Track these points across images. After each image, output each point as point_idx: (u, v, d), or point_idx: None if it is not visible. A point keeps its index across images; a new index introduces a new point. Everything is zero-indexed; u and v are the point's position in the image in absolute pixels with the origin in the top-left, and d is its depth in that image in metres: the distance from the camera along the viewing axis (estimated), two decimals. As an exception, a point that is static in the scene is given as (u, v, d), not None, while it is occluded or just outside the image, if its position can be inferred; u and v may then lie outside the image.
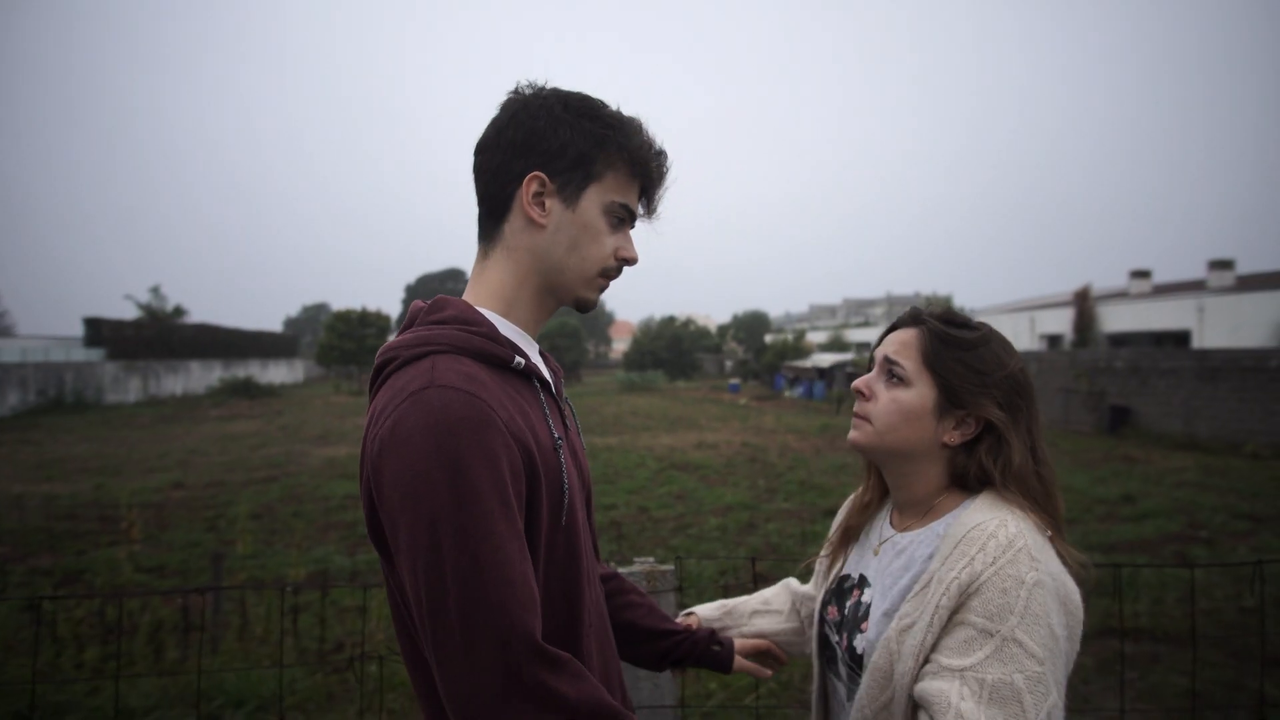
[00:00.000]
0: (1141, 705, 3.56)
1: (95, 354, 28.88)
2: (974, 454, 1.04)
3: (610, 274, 1.04)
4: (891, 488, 1.14)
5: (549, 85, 1.02)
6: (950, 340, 1.05)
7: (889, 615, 1.02)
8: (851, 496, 1.26)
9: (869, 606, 1.08)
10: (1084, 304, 25.06)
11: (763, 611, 1.41)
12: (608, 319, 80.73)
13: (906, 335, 1.08)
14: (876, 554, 1.11)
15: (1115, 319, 24.70)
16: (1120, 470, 10.87)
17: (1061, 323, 26.40)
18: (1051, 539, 0.99)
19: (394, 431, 0.83)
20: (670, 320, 43.36)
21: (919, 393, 1.05)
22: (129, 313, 36.72)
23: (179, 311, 38.51)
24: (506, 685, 0.80)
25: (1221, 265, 25.37)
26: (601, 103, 1.02)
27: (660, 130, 1.03)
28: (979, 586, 0.92)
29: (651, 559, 1.66)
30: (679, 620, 1.39)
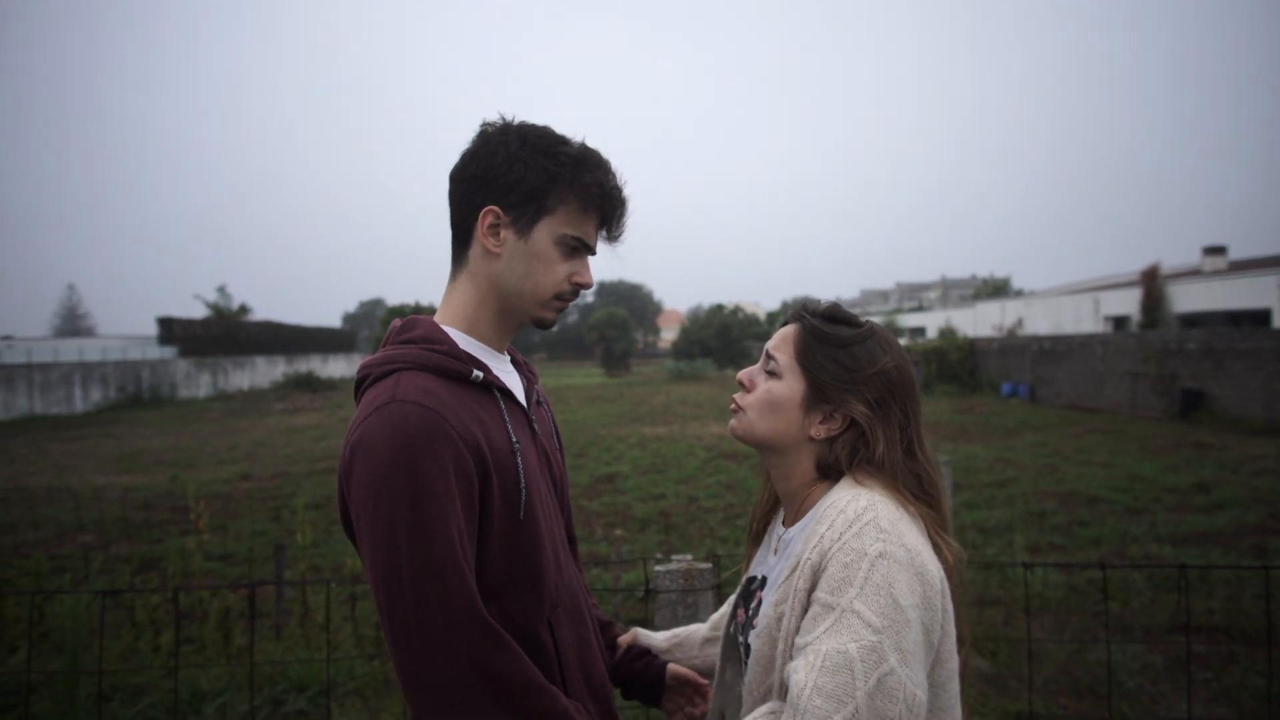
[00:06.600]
0: (1220, 710, 3.40)
1: (169, 352, 30.36)
2: (834, 446, 1.07)
3: (565, 297, 1.12)
4: (774, 483, 1.16)
5: (517, 120, 1.10)
6: (824, 337, 1.08)
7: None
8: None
9: (761, 605, 1.09)
10: (1152, 283, 23.96)
11: (714, 639, 1.33)
12: (656, 309, 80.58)
13: (787, 330, 1.12)
14: (776, 553, 1.13)
15: (1187, 299, 23.50)
16: (1192, 458, 10.33)
17: (1128, 304, 25.24)
18: (919, 517, 1.00)
19: (361, 440, 0.96)
20: (718, 308, 42.95)
21: (788, 385, 1.08)
22: (198, 311, 38.47)
23: (244, 309, 40.10)
24: (451, 655, 0.92)
25: (1306, 239, 23.87)
26: (561, 139, 1.09)
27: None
28: (826, 563, 0.94)
29: (689, 556, 1.64)
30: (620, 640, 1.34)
